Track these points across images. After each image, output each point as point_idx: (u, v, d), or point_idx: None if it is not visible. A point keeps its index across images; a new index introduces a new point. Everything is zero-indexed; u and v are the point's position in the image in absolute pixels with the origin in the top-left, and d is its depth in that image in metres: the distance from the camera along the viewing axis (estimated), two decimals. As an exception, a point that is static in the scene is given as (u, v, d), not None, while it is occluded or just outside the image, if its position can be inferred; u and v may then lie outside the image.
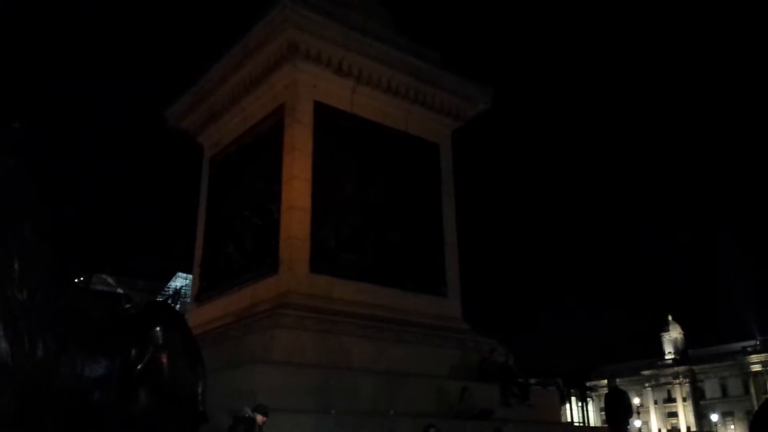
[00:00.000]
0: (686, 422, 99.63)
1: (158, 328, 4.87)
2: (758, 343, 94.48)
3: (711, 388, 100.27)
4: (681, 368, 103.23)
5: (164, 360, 4.84)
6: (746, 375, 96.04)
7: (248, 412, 10.75)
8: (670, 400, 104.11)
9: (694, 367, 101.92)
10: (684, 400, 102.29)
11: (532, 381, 21.06)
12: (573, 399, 73.50)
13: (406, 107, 19.83)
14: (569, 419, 68.32)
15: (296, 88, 17.87)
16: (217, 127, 20.92)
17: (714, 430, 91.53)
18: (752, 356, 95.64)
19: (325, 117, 17.98)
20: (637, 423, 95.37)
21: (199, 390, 5.34)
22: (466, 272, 20.04)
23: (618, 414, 16.87)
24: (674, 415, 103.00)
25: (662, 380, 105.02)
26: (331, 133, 17.88)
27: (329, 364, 14.69)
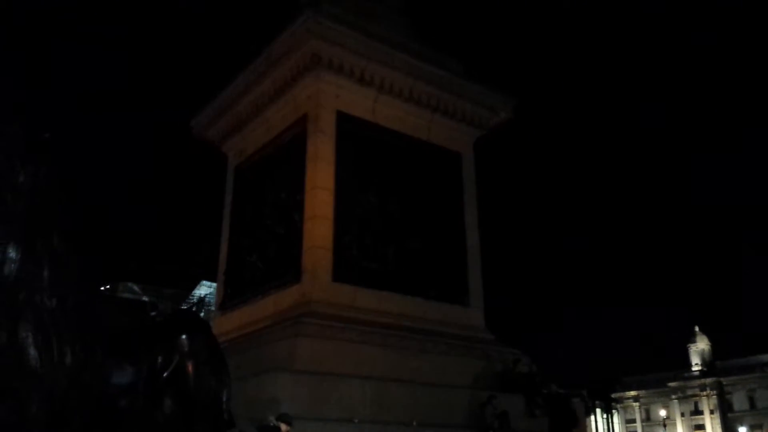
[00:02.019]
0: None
1: (184, 336, 4.91)
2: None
3: (739, 400, 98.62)
4: (708, 380, 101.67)
5: (190, 368, 4.88)
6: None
7: (272, 420, 10.79)
8: (698, 412, 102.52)
9: (721, 379, 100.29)
10: (711, 412, 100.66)
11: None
12: (598, 411, 72.75)
13: (429, 116, 19.85)
14: (594, 431, 67.59)
15: (319, 98, 17.98)
16: (241, 136, 21.10)
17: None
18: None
19: (348, 126, 18.06)
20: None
21: (224, 398, 5.38)
22: (489, 281, 19.96)
23: (560, 424, 16.19)
24: (701, 427, 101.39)
25: (689, 392, 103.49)
26: (353, 142, 17.95)
27: (352, 373, 14.67)
